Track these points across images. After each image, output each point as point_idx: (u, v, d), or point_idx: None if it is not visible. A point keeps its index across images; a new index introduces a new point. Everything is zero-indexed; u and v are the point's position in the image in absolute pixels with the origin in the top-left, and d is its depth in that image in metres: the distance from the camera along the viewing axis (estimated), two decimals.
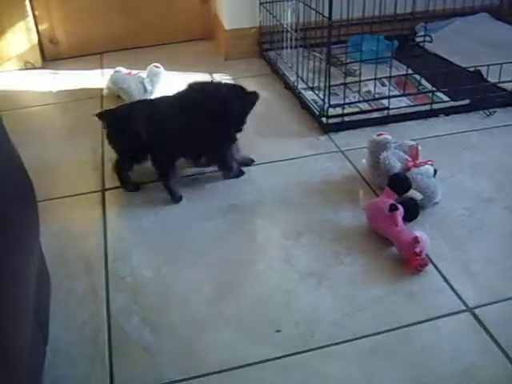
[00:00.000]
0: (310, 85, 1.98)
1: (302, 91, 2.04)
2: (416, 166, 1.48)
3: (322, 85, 1.86)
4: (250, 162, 1.69)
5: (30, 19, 2.43)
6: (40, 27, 2.51)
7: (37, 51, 2.50)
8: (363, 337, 1.12)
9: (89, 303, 1.23)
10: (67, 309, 1.21)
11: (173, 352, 1.10)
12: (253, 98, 1.57)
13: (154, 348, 1.11)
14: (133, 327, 1.16)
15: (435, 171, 1.48)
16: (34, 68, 2.50)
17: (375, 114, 1.90)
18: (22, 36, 2.43)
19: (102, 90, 2.20)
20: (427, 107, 1.92)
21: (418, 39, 2.28)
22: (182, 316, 1.19)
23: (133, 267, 1.32)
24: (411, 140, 1.60)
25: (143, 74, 2.14)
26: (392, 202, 1.36)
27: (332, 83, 1.82)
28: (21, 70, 2.49)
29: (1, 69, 2.44)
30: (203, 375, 1.06)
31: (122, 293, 1.25)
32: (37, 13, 2.48)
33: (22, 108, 2.16)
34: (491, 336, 1.11)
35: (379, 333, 1.13)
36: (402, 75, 1.95)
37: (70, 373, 1.07)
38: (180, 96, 1.55)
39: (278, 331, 1.14)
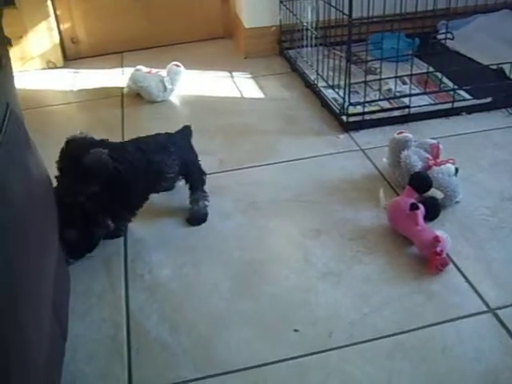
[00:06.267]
0: (330, 83, 1.96)
1: (322, 89, 2.03)
2: (437, 164, 1.47)
3: (342, 83, 1.84)
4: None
5: (52, 19, 2.45)
6: (62, 27, 2.54)
7: (58, 51, 2.52)
8: (382, 337, 1.11)
9: (108, 301, 1.23)
10: (86, 306, 1.22)
11: (191, 350, 1.11)
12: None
13: (172, 346, 1.12)
14: (152, 325, 1.17)
15: (456, 170, 1.46)
16: (56, 67, 2.52)
17: (396, 113, 1.88)
18: (44, 36, 2.46)
19: (122, 88, 2.22)
20: (449, 105, 1.89)
21: (440, 37, 2.25)
22: (200, 314, 1.19)
23: (152, 265, 1.33)
24: (432, 138, 1.59)
25: (163, 72, 2.15)
26: (413, 200, 1.35)
27: (352, 81, 1.81)
28: (43, 69, 2.51)
29: (23, 68, 2.47)
30: (221, 374, 1.06)
31: (141, 291, 1.26)
32: (58, 13, 2.51)
33: (44, 107, 2.19)
34: None
35: (399, 333, 1.11)
36: (423, 73, 1.93)
37: (89, 369, 1.08)
38: None
39: (296, 330, 1.13)
